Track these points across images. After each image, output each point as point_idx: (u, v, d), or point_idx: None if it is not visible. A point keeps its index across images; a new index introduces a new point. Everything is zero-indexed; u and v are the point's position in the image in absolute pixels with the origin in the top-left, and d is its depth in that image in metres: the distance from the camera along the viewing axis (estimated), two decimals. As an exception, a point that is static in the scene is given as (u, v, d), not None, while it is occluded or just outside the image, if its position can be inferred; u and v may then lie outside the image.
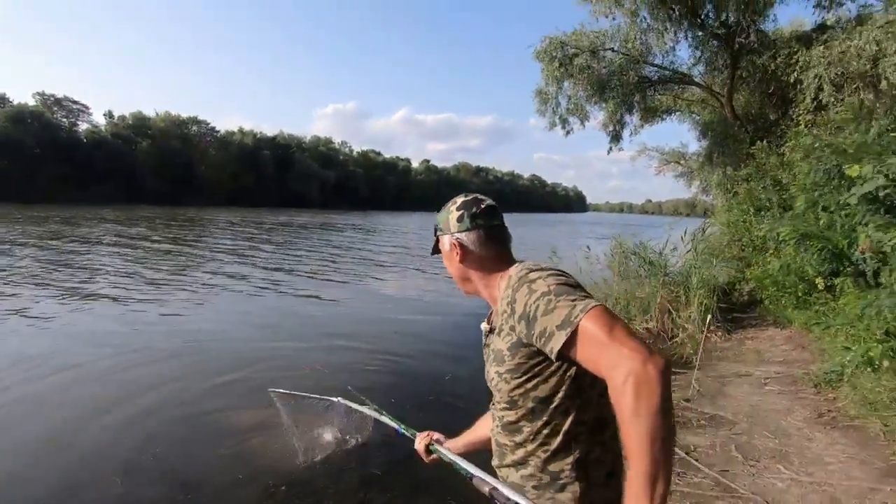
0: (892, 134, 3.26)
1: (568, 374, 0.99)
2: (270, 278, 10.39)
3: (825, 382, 4.01)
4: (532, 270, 1.01)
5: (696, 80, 12.31)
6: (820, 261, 5.40)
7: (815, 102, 8.91)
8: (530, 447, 1.03)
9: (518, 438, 1.04)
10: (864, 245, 3.72)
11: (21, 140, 41.54)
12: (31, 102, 48.87)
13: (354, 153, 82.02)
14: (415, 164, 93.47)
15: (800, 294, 5.90)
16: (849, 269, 4.67)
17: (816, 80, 8.22)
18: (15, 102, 46.34)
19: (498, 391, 1.07)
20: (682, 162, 19.93)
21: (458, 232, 1.13)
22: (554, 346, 0.89)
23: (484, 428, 1.29)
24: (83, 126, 52.65)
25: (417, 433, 1.50)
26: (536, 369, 0.99)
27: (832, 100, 8.38)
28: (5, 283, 8.29)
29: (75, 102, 53.22)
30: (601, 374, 0.86)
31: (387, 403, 3.99)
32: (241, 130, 65.55)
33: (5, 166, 40.19)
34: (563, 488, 1.00)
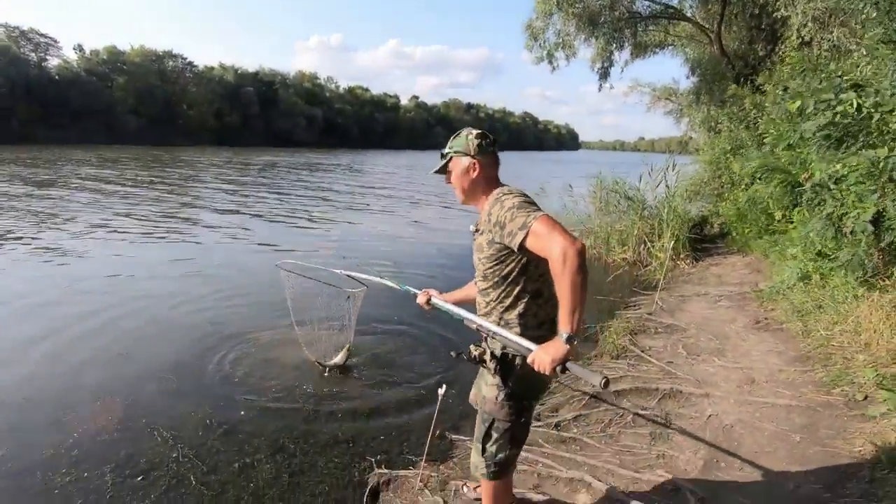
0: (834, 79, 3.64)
1: (521, 261, 1.52)
2: (262, 218, 10.80)
3: (767, 297, 4.66)
4: (504, 194, 1.53)
5: (686, 14, 12.24)
6: (781, 193, 5.93)
7: (799, 39, 9.09)
8: (493, 304, 1.60)
9: (487, 299, 1.63)
10: (805, 175, 4.21)
11: (-10, 77, 39.67)
12: (-5, 35, 46.05)
13: (341, 90, 79.21)
14: (404, 101, 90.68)
15: (762, 225, 6.49)
16: (803, 200, 5.19)
17: (800, 16, 8.35)
18: (-23, 36, 43.74)
19: (477, 267, 1.64)
20: (672, 98, 19.95)
21: (477, 154, 1.60)
22: (515, 241, 1.42)
23: (469, 290, 1.88)
24: (53, 61, 50.01)
25: (417, 291, 2.05)
26: (501, 256, 1.53)
27: (815, 37, 8.58)
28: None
29: (43, 35, 50.10)
30: (545, 254, 1.37)
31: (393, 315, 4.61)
32: (221, 66, 62.70)
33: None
34: (510, 328, 1.57)
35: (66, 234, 8.09)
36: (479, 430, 1.66)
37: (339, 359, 3.65)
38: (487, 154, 1.62)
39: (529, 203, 1.47)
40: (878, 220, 3.16)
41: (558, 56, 12.73)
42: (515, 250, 1.45)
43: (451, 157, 1.65)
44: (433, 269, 6.76)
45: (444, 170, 1.68)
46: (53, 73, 47.99)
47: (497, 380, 1.58)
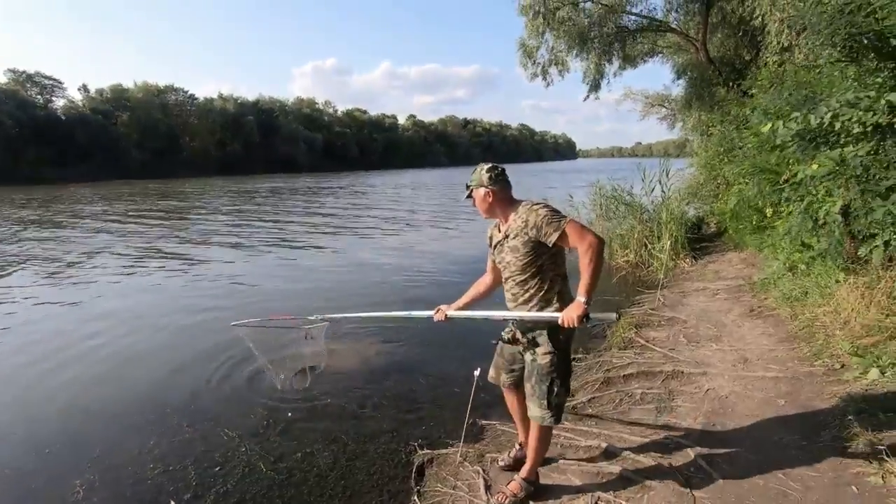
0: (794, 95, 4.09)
1: (550, 253, 2.04)
2: (272, 244, 11.27)
3: (760, 288, 5.04)
4: (535, 204, 2.07)
5: (672, 26, 12.81)
6: (769, 192, 6.33)
7: (779, 45, 9.58)
8: (533, 290, 2.08)
9: (527, 287, 2.09)
10: (786, 175, 4.62)
11: (-1, 121, 40.81)
12: (3, 80, 47.55)
13: (339, 113, 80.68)
14: (401, 121, 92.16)
15: (754, 222, 6.88)
16: (783, 197, 5.59)
17: (777, 23, 8.85)
18: (-14, 82, 45.10)
19: (512, 265, 2.09)
20: (665, 104, 20.49)
21: (489, 185, 2.12)
22: (551, 238, 1.96)
23: (475, 291, 2.42)
24: (59, 102, 51.43)
25: (430, 312, 2.45)
26: (537, 251, 2.03)
27: (793, 42, 9.06)
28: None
29: (48, 78, 51.61)
30: (576, 247, 1.94)
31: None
32: (220, 96, 64.17)
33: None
34: (551, 305, 2.06)
35: (101, 269, 8.57)
36: (541, 390, 2.09)
37: (300, 378, 3.85)
38: (498, 182, 2.13)
39: (557, 211, 2.04)
40: (847, 211, 3.56)
41: (552, 72, 13.34)
42: (549, 245, 1.98)
43: (472, 189, 2.17)
44: (439, 284, 7.13)
45: (469, 196, 2.21)
46: (60, 113, 49.30)
47: (550, 347, 2.07)
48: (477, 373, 2.51)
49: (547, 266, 2.05)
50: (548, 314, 2.02)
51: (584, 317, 1.91)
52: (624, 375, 3.47)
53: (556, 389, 2.09)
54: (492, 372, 2.41)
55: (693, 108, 14.01)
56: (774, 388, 3.00)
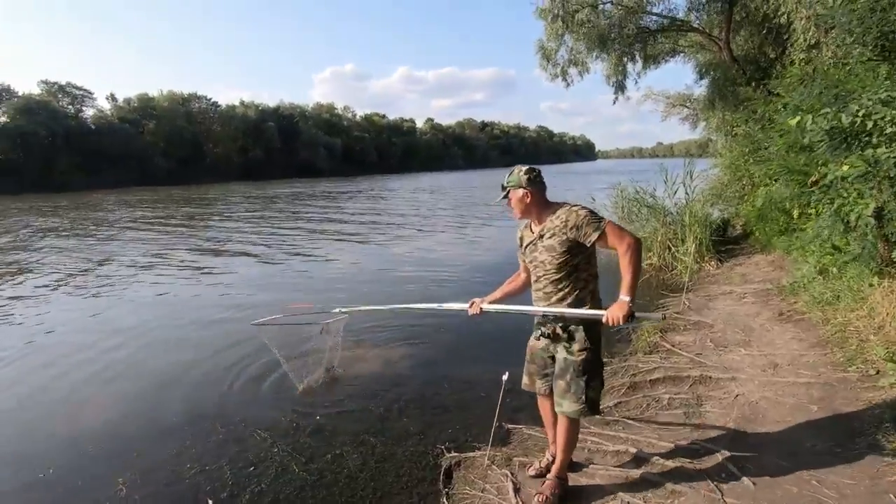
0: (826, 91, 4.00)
1: (587, 252, 2.10)
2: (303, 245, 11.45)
3: (790, 291, 4.95)
4: (574, 206, 2.14)
5: (694, 25, 12.62)
6: (797, 193, 6.20)
7: (806, 42, 9.36)
8: (568, 289, 2.12)
9: (561, 286, 2.13)
10: (815, 177, 4.53)
11: (34, 131, 42.32)
12: (36, 91, 49.36)
13: (358, 118, 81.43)
14: (419, 124, 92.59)
15: (781, 224, 6.74)
16: (812, 199, 5.47)
17: (802, 21, 8.66)
18: (20, 93, 46.86)
19: (547, 263, 2.13)
20: (687, 104, 20.17)
21: (528, 186, 2.15)
22: (590, 239, 2.03)
23: (509, 287, 2.47)
24: (89, 112, 53.15)
25: (463, 305, 2.50)
26: (574, 251, 2.08)
27: (821, 40, 8.85)
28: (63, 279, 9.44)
29: (78, 88, 53.42)
30: (615, 247, 2.01)
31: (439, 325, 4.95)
32: (242, 103, 65.44)
33: (20, 158, 41.33)
34: (584, 304, 2.11)
35: (122, 278, 8.86)
36: (578, 385, 2.12)
37: (316, 376, 3.95)
38: (535, 183, 2.17)
39: (595, 212, 2.10)
40: (880, 213, 3.48)
41: (571, 73, 13.27)
42: (588, 245, 2.05)
43: (509, 190, 2.19)
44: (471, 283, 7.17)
45: (505, 197, 2.23)
46: (90, 122, 50.95)
47: (586, 343, 2.12)
48: (505, 377, 2.53)
49: (581, 266, 2.10)
50: (592, 311, 2.06)
51: (630, 316, 1.95)
52: (650, 380, 3.45)
53: (592, 384, 2.14)
54: (525, 379, 2.41)
55: (716, 108, 13.76)
56: (806, 393, 2.95)
